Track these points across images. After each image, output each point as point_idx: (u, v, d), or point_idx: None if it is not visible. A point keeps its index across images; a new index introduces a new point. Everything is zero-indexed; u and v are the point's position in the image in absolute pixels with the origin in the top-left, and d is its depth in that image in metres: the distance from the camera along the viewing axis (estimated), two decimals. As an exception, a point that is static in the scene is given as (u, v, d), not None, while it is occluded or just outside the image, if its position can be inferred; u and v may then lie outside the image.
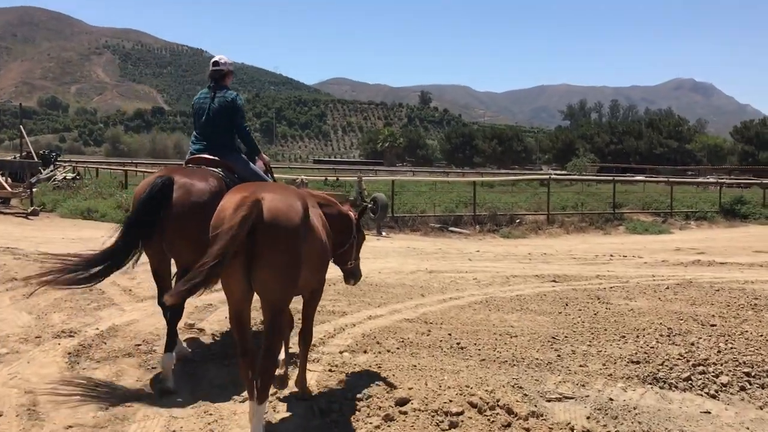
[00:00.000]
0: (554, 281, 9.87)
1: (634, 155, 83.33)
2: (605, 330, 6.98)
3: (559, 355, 6.05)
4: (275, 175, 7.09)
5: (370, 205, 16.99)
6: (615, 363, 5.93)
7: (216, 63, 5.98)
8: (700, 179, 34.36)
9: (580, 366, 5.82)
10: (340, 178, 22.11)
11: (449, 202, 21.52)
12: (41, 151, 29.69)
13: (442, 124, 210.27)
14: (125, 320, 6.28)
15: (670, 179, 29.84)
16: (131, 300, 7.23)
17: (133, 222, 4.89)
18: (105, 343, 5.49)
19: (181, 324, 6.22)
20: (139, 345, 5.49)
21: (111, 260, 4.83)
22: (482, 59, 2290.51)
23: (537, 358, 5.92)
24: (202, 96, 5.93)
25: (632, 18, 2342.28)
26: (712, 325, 7.02)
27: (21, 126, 24.43)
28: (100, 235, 13.28)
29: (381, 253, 12.87)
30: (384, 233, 16.77)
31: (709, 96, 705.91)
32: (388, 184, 21.56)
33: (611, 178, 25.85)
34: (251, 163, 5.92)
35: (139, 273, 8.11)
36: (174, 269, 5.19)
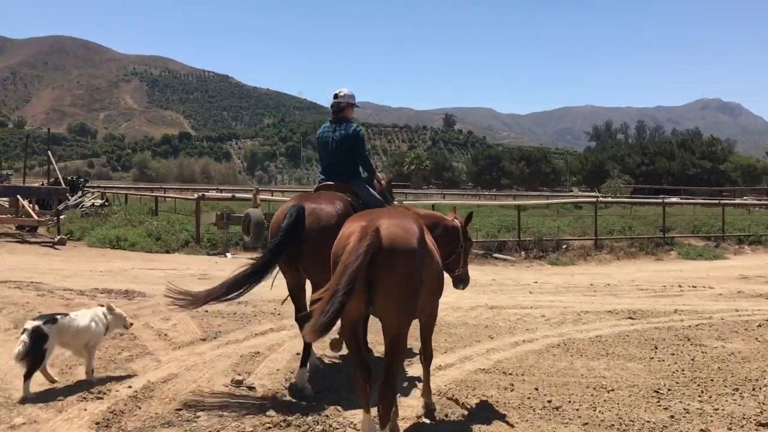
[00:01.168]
0: (631, 318, 8.87)
1: (667, 176, 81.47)
2: (712, 381, 6.01)
3: (672, 416, 5.09)
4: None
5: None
6: (742, 426, 4.95)
7: (336, 96, 6.38)
8: (749, 200, 32.82)
9: (702, 431, 4.84)
10: None
11: (490, 226, 20.51)
12: (69, 177, 29.30)
13: (466, 146, 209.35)
14: (162, 375, 5.41)
15: (721, 201, 28.53)
16: (167, 347, 6.39)
17: (277, 247, 5.31)
18: (139, 408, 4.62)
19: (226, 380, 5.37)
20: (179, 410, 4.60)
21: (253, 280, 5.23)
22: (505, 81, 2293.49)
23: (648, 421, 4.97)
24: (325, 130, 6.39)
25: (655, 38, 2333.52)
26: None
27: (49, 152, 23.90)
28: (131, 267, 12.86)
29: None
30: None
31: (736, 116, 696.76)
32: (427, 207, 20.64)
33: (660, 200, 24.59)
34: (371, 189, 6.37)
35: (174, 313, 7.31)
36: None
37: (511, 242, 18.11)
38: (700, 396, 5.59)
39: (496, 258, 17.11)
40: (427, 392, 4.94)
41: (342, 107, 6.35)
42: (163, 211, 22.82)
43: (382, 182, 6.80)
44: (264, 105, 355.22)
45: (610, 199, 29.50)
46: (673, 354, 6.94)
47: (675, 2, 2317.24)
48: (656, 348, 7.16)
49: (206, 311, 8.07)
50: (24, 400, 4.67)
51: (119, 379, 5.30)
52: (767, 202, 37.65)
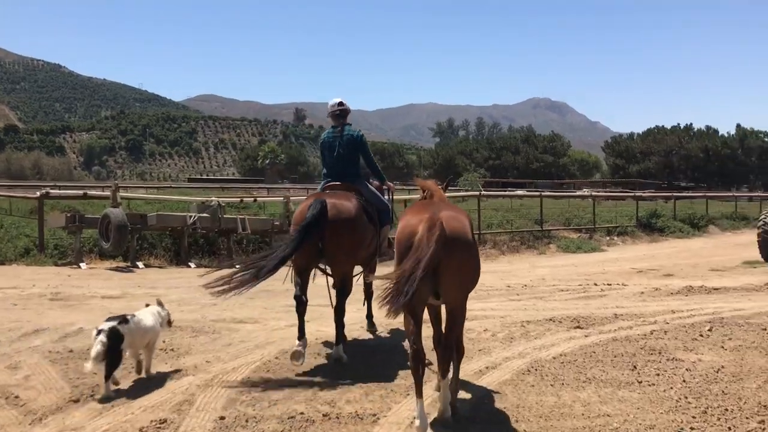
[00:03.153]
0: (579, 327, 7.88)
1: (512, 170, 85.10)
2: (727, 410, 5.03)
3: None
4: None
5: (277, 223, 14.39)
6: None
7: (341, 104, 7.08)
8: (590, 192, 34.13)
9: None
10: (258, 199, 19.08)
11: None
12: None
13: (317, 141, 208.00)
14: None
15: (593, 193, 29.32)
16: (18, 421, 4.30)
17: (302, 236, 5.79)
18: None
19: None
20: None
21: (281, 262, 5.78)
22: (354, 77, 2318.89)
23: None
24: (330, 135, 6.99)
25: (491, 41, 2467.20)
26: None
27: None
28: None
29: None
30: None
31: (563, 114, 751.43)
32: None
33: (538, 193, 24.59)
34: (371, 187, 7.07)
35: (25, 356, 5.26)
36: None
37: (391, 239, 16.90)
38: (729, 432, 4.56)
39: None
40: (454, 388, 4.94)
41: (344, 114, 7.10)
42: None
43: (374, 183, 7.36)
44: (101, 96, 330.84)
45: (493, 193, 29.44)
46: (658, 374, 5.93)
47: (505, 9, 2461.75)
48: (635, 367, 6.13)
49: (70, 351, 6.00)
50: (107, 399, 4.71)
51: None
52: (633, 193, 39.46)
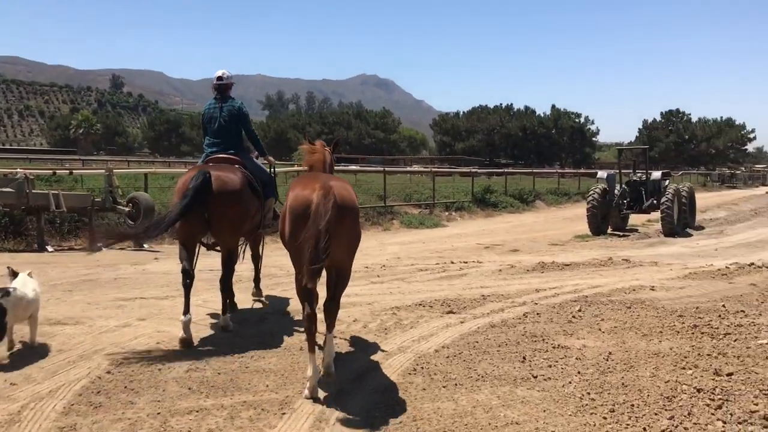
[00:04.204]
0: (452, 311, 7.32)
1: (344, 145, 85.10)
2: (634, 406, 4.63)
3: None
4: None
5: (128, 209, 12.54)
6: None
7: (220, 78, 7.01)
8: (430, 168, 34.64)
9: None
10: (74, 172, 16.50)
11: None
12: None
13: (137, 110, 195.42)
14: None
15: (433, 170, 29.34)
16: None
17: (187, 205, 5.81)
18: None
19: None
20: None
21: (163, 229, 5.96)
22: (176, 45, 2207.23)
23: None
24: (211, 106, 7.02)
25: (323, 12, 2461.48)
26: (729, 374, 5.07)
27: None
28: None
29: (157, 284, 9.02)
30: (146, 244, 12.49)
31: (390, 92, 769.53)
32: (136, 179, 16.91)
33: (381, 169, 24.09)
34: (254, 160, 7.32)
35: None
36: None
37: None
38: (646, 435, 4.11)
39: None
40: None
41: (226, 87, 7.02)
42: None
43: (271, 161, 7.63)
44: None
45: (370, 169, 28.45)
46: (550, 366, 5.45)
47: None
48: (524, 359, 5.61)
49: None
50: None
51: None
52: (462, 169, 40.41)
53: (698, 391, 4.76)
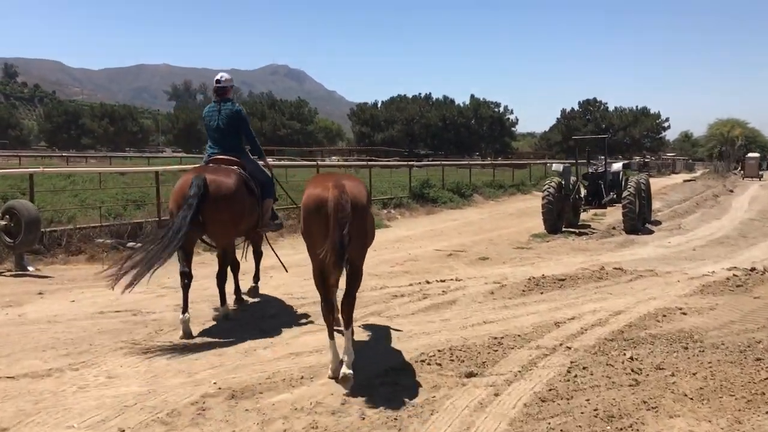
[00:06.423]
0: (473, 374, 5.30)
1: (258, 136, 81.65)
2: None
3: None
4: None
5: (3, 223, 9.72)
6: None
7: (218, 81, 7.37)
8: (366, 162, 32.48)
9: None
10: None
11: (109, 200, 14.84)
12: None
13: (33, 101, 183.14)
14: None
15: (369, 163, 27.13)
16: None
17: (192, 217, 6.03)
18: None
19: None
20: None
21: (175, 245, 5.96)
22: (75, 33, 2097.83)
23: None
24: (211, 109, 7.30)
25: (223, 4, 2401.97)
26: None
27: None
28: None
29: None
30: (31, 267, 9.81)
31: (301, 82, 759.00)
32: (21, 180, 13.95)
33: (314, 163, 21.74)
34: (255, 161, 7.43)
35: None
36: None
37: (148, 223, 12.88)
38: None
39: (131, 248, 11.73)
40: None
41: (225, 89, 7.36)
42: None
43: (268, 164, 7.92)
44: None
45: (289, 163, 25.64)
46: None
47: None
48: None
49: None
50: None
51: None
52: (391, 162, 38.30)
53: None
